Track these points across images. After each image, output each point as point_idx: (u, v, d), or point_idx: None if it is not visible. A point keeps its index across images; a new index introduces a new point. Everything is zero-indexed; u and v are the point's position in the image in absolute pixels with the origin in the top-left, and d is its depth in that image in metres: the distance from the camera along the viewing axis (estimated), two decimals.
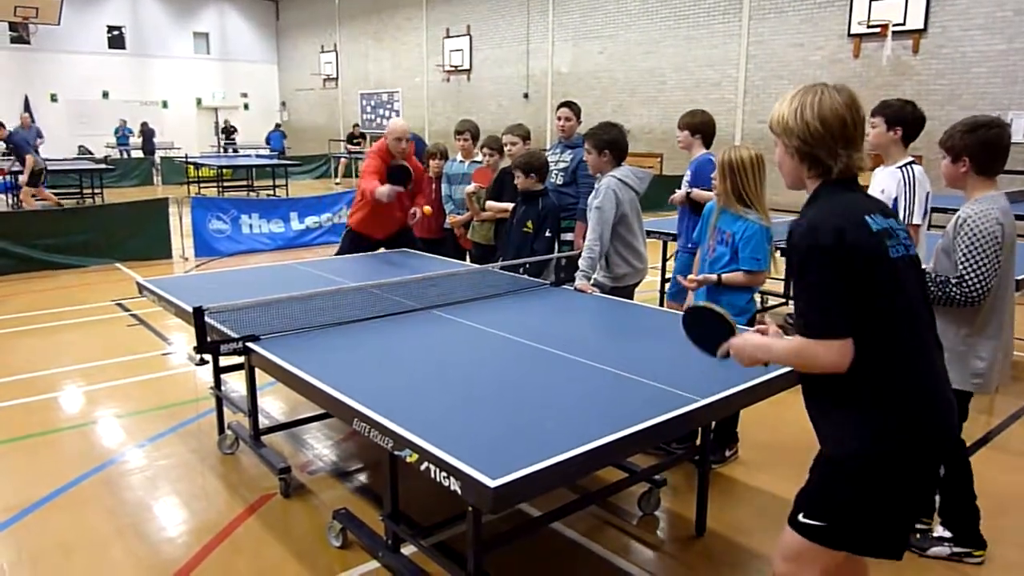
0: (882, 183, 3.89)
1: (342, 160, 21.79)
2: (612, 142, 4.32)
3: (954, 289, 2.93)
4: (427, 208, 5.71)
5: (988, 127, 2.99)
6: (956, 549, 3.24)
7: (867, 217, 1.93)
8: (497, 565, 3.06)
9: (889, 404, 1.91)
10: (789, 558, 2.08)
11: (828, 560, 2.05)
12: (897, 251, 1.94)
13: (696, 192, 4.92)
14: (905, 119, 3.80)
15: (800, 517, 2.02)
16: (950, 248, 3.02)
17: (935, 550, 3.25)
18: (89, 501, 3.74)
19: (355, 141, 22.28)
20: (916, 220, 3.76)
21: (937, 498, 3.53)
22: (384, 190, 5.37)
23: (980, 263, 2.89)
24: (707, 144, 5.02)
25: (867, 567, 2.37)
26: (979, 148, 2.99)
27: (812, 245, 1.89)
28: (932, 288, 2.98)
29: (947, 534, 3.27)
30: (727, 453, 4.15)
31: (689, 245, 4.76)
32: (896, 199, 3.81)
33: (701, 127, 5.00)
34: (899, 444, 1.91)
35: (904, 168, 3.83)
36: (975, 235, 2.90)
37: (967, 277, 2.91)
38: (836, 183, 2.00)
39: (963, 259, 2.92)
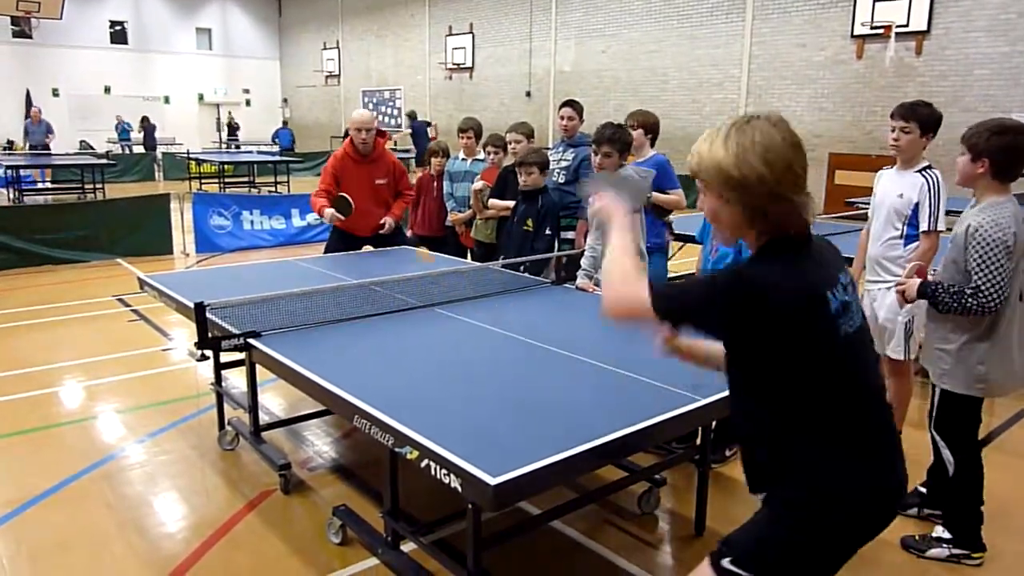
0: (898, 187, 3.83)
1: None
2: (629, 144, 4.33)
3: (970, 300, 2.91)
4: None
5: (1016, 133, 2.96)
6: (955, 551, 3.24)
7: (828, 294, 1.71)
8: (496, 563, 3.06)
9: (818, 477, 1.77)
10: None
11: None
12: (850, 326, 1.76)
13: (658, 196, 4.81)
14: (936, 123, 3.76)
15: (725, 563, 1.85)
16: (960, 258, 3.00)
17: (934, 552, 3.25)
18: (89, 496, 3.74)
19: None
20: (940, 226, 3.73)
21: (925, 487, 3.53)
22: (329, 212, 5.43)
23: (995, 272, 2.88)
24: (653, 145, 5.01)
25: None
26: (1001, 152, 2.96)
27: (752, 294, 1.66)
28: (946, 298, 2.96)
29: (947, 535, 3.27)
30: (727, 452, 4.15)
31: (649, 245, 4.76)
32: (918, 204, 3.77)
33: (654, 128, 4.99)
34: (823, 515, 1.77)
35: (926, 172, 3.78)
36: (988, 245, 2.89)
37: (983, 287, 2.89)
38: (789, 240, 1.75)
39: (977, 269, 2.90)
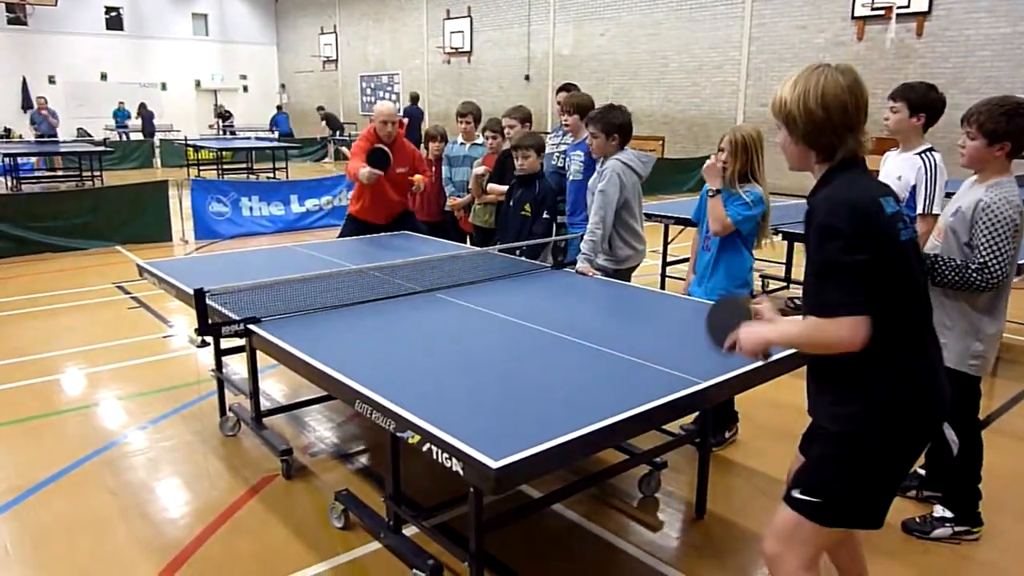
0: (898, 169, 3.83)
1: (329, 145, 22.30)
2: (621, 127, 4.29)
3: (975, 275, 2.90)
4: (418, 177, 5.66)
5: None
6: (957, 529, 3.26)
7: (880, 199, 1.94)
8: (498, 546, 3.07)
9: (891, 385, 1.95)
10: (782, 537, 2.08)
11: (821, 542, 2.06)
12: (906, 235, 1.97)
13: None
14: (930, 105, 3.73)
15: (795, 493, 2.04)
16: (961, 230, 2.98)
17: (937, 532, 3.27)
18: (91, 483, 3.75)
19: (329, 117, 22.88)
20: (936, 209, 3.71)
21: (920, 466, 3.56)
22: (365, 172, 5.41)
23: (1002, 249, 2.87)
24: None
25: (862, 550, 2.38)
26: (1022, 133, 2.92)
27: (830, 224, 1.89)
28: (949, 273, 2.95)
29: (948, 514, 3.28)
30: (727, 435, 4.16)
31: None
32: (915, 187, 3.76)
33: (587, 107, 4.95)
34: (897, 423, 1.97)
35: (924, 155, 3.77)
36: (997, 222, 2.87)
37: (990, 263, 2.88)
38: (846, 165, 1.99)
39: (986, 245, 2.89)
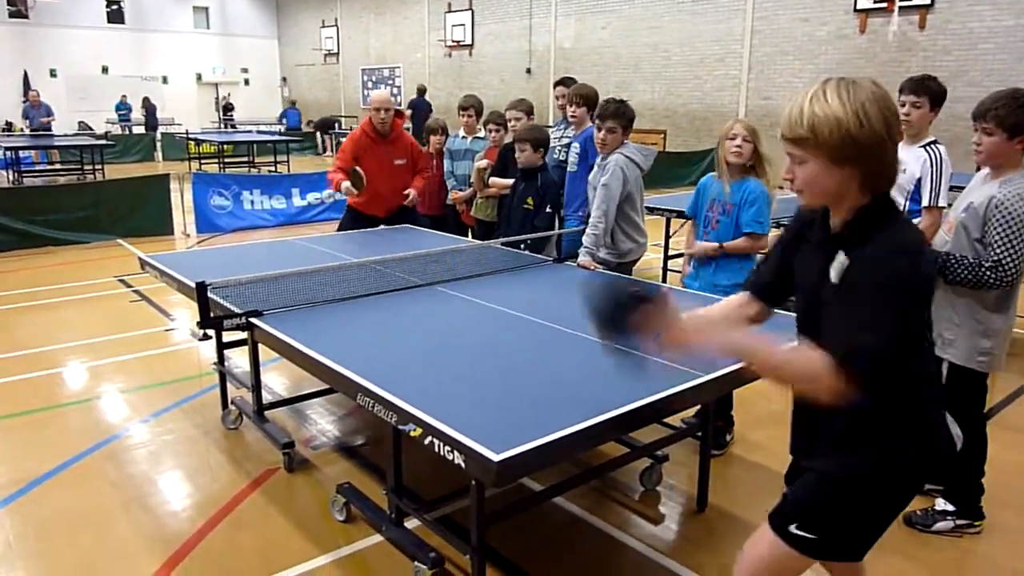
0: (903, 162, 3.81)
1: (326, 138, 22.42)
2: (633, 120, 4.30)
3: (988, 273, 2.87)
4: (411, 192, 5.68)
5: None
6: (959, 522, 3.27)
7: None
8: (499, 539, 3.08)
9: (905, 431, 1.85)
10: (763, 567, 1.98)
11: (801, 570, 1.97)
12: (931, 292, 1.89)
13: None
14: (944, 98, 3.72)
15: (793, 528, 1.91)
16: (973, 226, 2.95)
17: (939, 525, 3.27)
18: (94, 475, 3.76)
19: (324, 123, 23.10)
20: (941, 202, 3.69)
21: None
22: (345, 186, 5.45)
23: (1016, 247, 2.83)
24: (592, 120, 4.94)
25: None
26: None
27: (916, 274, 1.69)
28: (962, 271, 2.92)
29: (950, 508, 3.29)
30: (728, 437, 4.14)
31: (580, 213, 4.73)
32: (920, 180, 3.74)
33: (595, 100, 4.96)
34: (905, 469, 1.88)
35: (929, 148, 3.74)
36: (1011, 218, 2.83)
37: (1004, 261, 2.84)
38: (891, 203, 1.76)
39: (1000, 243, 2.84)
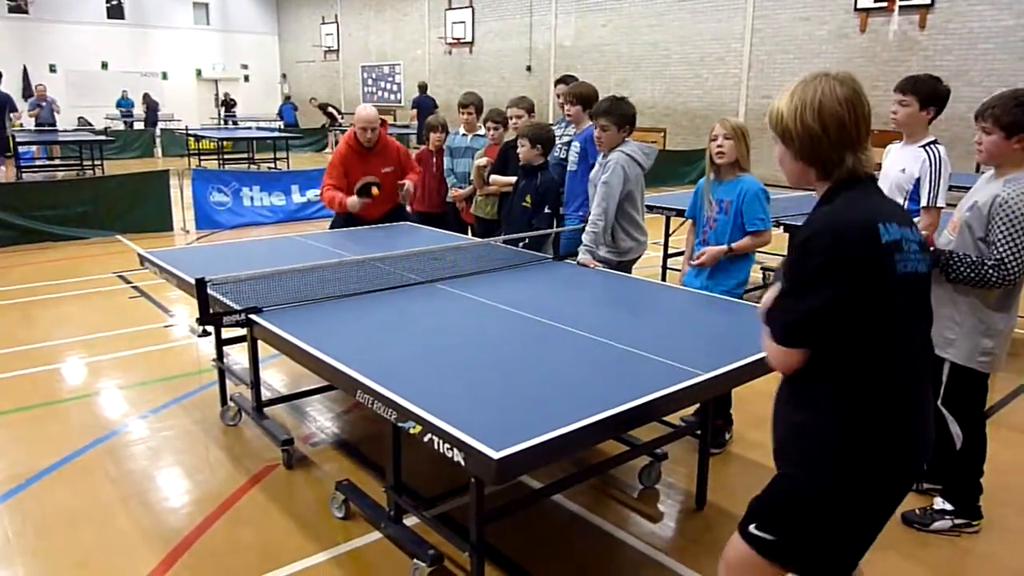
0: (902, 162, 3.82)
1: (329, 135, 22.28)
2: (631, 118, 4.29)
3: (991, 271, 2.87)
4: (407, 182, 5.67)
5: None
6: (957, 521, 3.27)
7: (880, 225, 1.76)
8: (498, 537, 3.08)
9: (859, 432, 1.81)
10: (733, 568, 1.99)
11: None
12: (904, 267, 1.79)
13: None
14: (939, 98, 3.70)
15: (751, 528, 1.93)
16: (977, 225, 2.95)
17: (938, 524, 3.28)
18: (93, 471, 3.76)
19: (328, 112, 22.74)
20: (940, 202, 3.69)
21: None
22: (353, 201, 5.38)
23: (1020, 245, 2.83)
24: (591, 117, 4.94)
25: None
26: None
27: (810, 248, 1.76)
28: (964, 270, 2.92)
29: (948, 507, 3.29)
30: (727, 436, 4.14)
31: (580, 213, 4.71)
32: (919, 180, 3.74)
33: (590, 98, 4.93)
34: (863, 476, 1.82)
35: (929, 148, 3.74)
36: (1015, 217, 2.83)
37: (1007, 260, 2.84)
38: (849, 184, 1.84)
39: (1003, 241, 2.85)
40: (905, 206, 3.79)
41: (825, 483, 1.83)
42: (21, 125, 14.56)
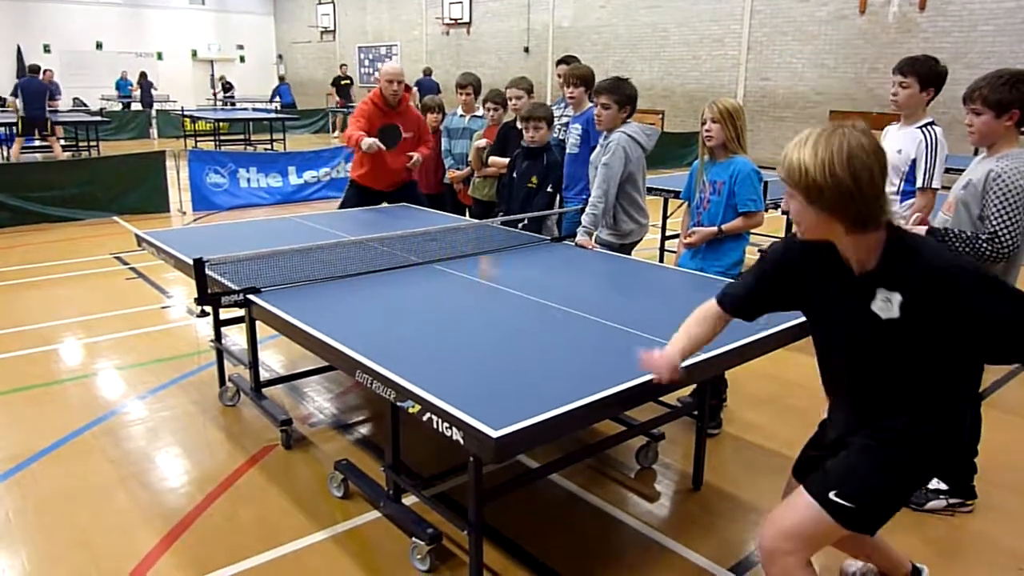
0: (898, 143, 3.81)
1: (338, 116, 21.70)
2: (633, 98, 4.28)
3: (985, 245, 2.88)
4: (415, 155, 5.66)
5: None
6: (951, 501, 3.30)
7: None
8: (497, 516, 3.10)
9: (939, 413, 2.02)
10: (791, 535, 2.06)
11: (828, 542, 2.14)
12: None
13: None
14: (939, 79, 3.70)
15: (832, 495, 2.01)
16: (973, 203, 2.96)
17: (933, 504, 3.30)
18: (92, 451, 3.77)
19: (344, 84, 22.13)
20: (936, 184, 3.70)
21: None
22: (368, 142, 5.34)
23: (1014, 219, 2.84)
24: (591, 98, 4.88)
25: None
26: None
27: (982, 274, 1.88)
28: (959, 245, 2.92)
29: (943, 486, 3.32)
30: (721, 415, 4.15)
31: (583, 196, 4.71)
32: (915, 160, 3.74)
33: (591, 79, 4.92)
34: (935, 444, 2.03)
35: (925, 128, 3.74)
36: (1009, 191, 2.84)
37: (1000, 233, 2.86)
38: (897, 231, 1.94)
39: (997, 215, 2.86)
40: (901, 187, 3.80)
41: (927, 429, 2.01)
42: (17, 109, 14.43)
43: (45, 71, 16.48)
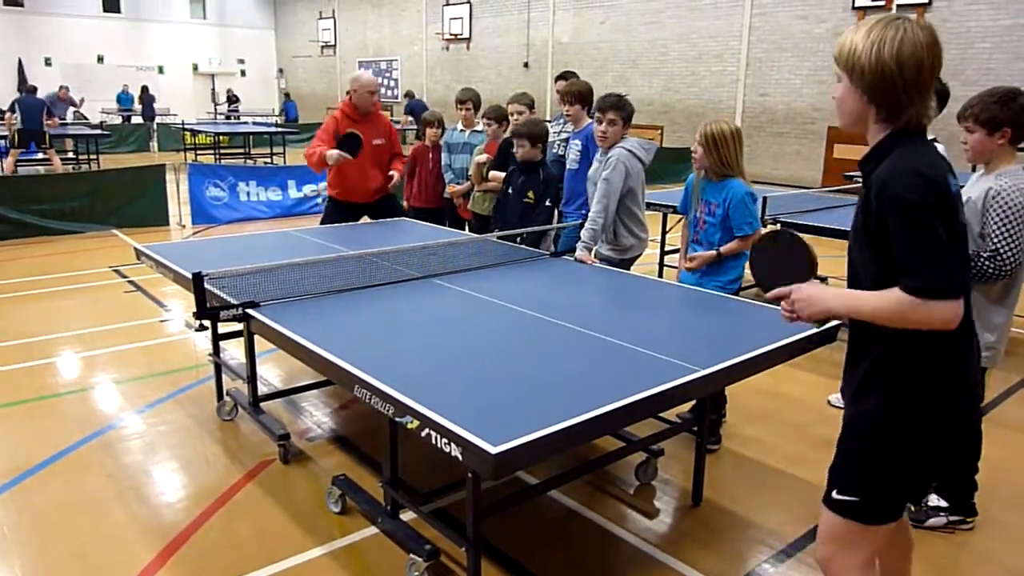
0: None
1: None
2: (632, 115, 4.31)
3: (987, 263, 2.90)
4: (393, 174, 5.72)
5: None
6: (952, 518, 3.29)
7: (948, 175, 1.82)
8: (495, 532, 3.09)
9: (938, 372, 1.87)
10: (829, 540, 2.03)
11: (868, 541, 1.99)
12: (962, 216, 1.87)
13: None
14: (944, 96, 3.72)
15: (834, 494, 1.98)
16: (974, 221, 2.97)
17: (933, 521, 3.29)
18: (89, 465, 3.76)
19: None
20: None
21: None
22: (333, 154, 5.35)
23: (1014, 236, 2.87)
24: (590, 114, 4.90)
25: (911, 547, 2.35)
26: (1022, 118, 2.92)
27: (915, 199, 1.72)
28: None
29: (943, 504, 3.31)
30: (721, 431, 4.15)
31: (583, 211, 4.70)
32: None
33: (588, 96, 4.95)
34: (940, 411, 1.88)
35: None
36: (1009, 209, 2.87)
37: (1002, 250, 2.88)
38: (910, 134, 1.84)
39: (998, 232, 2.89)
40: None
41: (904, 405, 1.87)
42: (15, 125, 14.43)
43: (60, 87, 16.58)
